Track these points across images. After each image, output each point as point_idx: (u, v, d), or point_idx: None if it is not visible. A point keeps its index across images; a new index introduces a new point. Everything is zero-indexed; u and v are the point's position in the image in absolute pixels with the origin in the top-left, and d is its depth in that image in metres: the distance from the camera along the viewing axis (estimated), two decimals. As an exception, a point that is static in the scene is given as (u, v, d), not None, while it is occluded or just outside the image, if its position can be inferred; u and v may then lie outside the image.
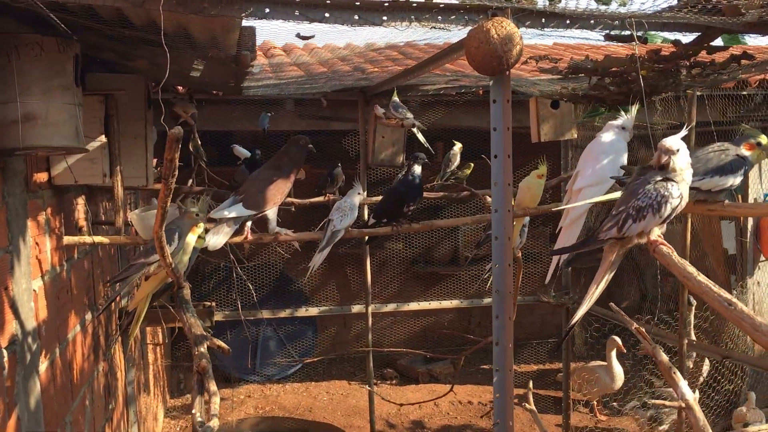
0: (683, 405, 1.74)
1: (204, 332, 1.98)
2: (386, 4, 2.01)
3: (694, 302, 5.06)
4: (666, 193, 1.69)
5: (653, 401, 2.38)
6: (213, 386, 1.74)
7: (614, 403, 5.76)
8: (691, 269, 1.49)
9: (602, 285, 1.69)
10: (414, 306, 5.76)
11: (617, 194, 1.84)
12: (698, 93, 4.15)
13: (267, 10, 1.95)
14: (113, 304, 4.22)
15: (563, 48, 6.82)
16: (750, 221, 5.80)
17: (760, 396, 5.75)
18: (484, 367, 7.39)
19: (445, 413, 6.34)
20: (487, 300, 5.88)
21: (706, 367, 5.60)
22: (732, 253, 6.19)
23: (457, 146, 4.70)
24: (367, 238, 3.51)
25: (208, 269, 6.81)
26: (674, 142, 1.74)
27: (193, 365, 1.86)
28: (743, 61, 2.58)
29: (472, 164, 4.85)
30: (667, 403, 1.89)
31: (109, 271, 4.11)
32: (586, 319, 5.92)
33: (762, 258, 5.88)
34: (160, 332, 5.79)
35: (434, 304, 5.84)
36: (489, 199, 4.20)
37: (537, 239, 6.96)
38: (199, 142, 4.39)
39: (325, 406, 6.53)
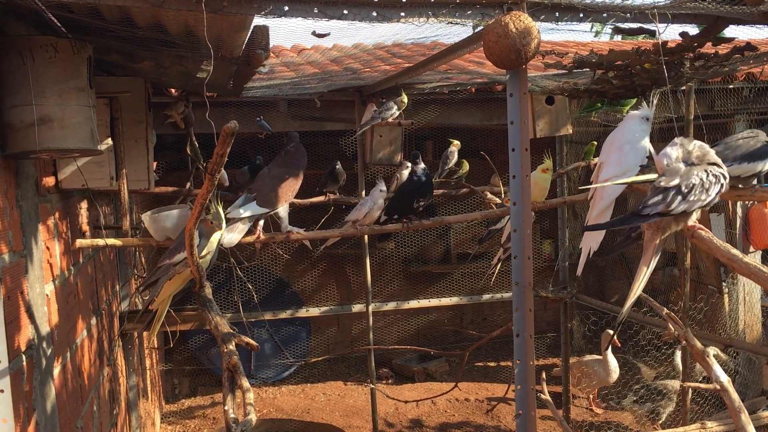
0: (718, 387, 1.77)
1: (230, 330, 1.98)
2: (404, 1, 2.01)
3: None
4: (717, 173, 1.68)
5: (688, 384, 2.40)
6: (246, 383, 1.74)
7: (612, 401, 5.78)
8: (735, 251, 1.50)
9: (648, 273, 1.68)
10: (414, 304, 5.75)
11: (652, 176, 1.81)
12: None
13: (286, 8, 1.94)
14: (114, 307, 4.19)
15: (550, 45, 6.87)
16: (739, 212, 5.85)
17: (753, 385, 5.83)
18: (479, 364, 7.41)
19: (443, 411, 6.35)
20: (486, 296, 5.90)
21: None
22: (722, 245, 6.24)
23: (454, 144, 4.69)
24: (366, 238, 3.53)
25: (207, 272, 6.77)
26: (665, 156, 1.76)
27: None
28: (746, 53, 2.61)
29: (465, 161, 4.86)
30: (702, 386, 1.91)
31: (110, 276, 4.08)
32: (584, 312, 5.96)
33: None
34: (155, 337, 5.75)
35: (434, 302, 5.83)
36: (489, 195, 4.25)
37: (533, 234, 6.99)
38: (197, 145, 4.37)
39: (323, 407, 6.51)
